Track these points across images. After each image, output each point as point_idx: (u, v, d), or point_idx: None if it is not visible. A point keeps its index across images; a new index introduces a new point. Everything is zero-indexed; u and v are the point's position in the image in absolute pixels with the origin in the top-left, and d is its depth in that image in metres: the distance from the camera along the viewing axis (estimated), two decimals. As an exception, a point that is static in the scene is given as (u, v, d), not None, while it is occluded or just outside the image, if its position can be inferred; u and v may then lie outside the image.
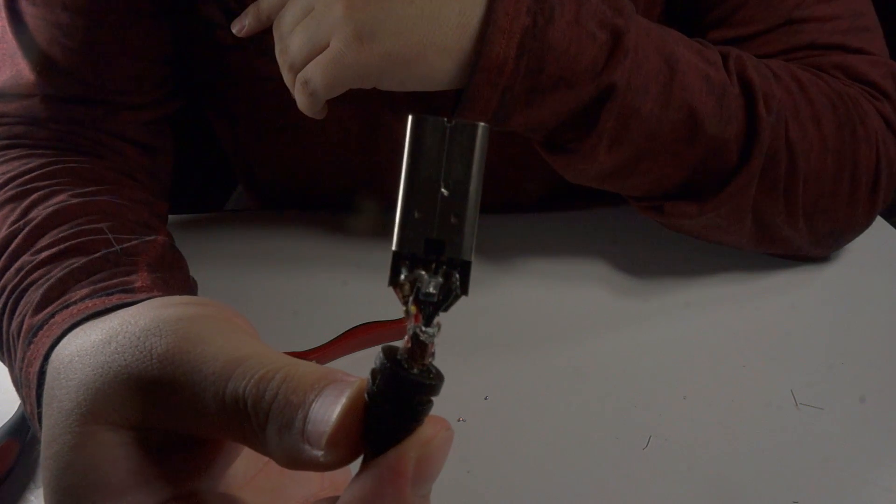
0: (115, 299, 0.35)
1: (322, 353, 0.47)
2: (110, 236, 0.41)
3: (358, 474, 0.19)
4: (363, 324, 0.48)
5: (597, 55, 0.43)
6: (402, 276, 0.19)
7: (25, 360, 0.34)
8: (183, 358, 0.21)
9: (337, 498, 0.19)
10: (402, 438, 0.19)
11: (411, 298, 0.19)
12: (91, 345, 0.23)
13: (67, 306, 0.35)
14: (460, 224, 0.19)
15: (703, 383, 0.46)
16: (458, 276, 0.19)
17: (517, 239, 0.59)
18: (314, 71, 0.42)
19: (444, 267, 0.19)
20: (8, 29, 0.49)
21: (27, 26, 0.49)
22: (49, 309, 0.35)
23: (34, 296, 0.37)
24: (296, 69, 0.43)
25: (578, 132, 0.46)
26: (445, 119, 0.19)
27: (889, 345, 0.50)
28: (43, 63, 0.49)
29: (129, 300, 0.34)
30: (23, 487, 0.40)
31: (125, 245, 0.41)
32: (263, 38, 0.52)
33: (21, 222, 0.42)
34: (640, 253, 0.57)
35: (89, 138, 0.51)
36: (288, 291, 0.54)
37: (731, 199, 0.48)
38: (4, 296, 0.39)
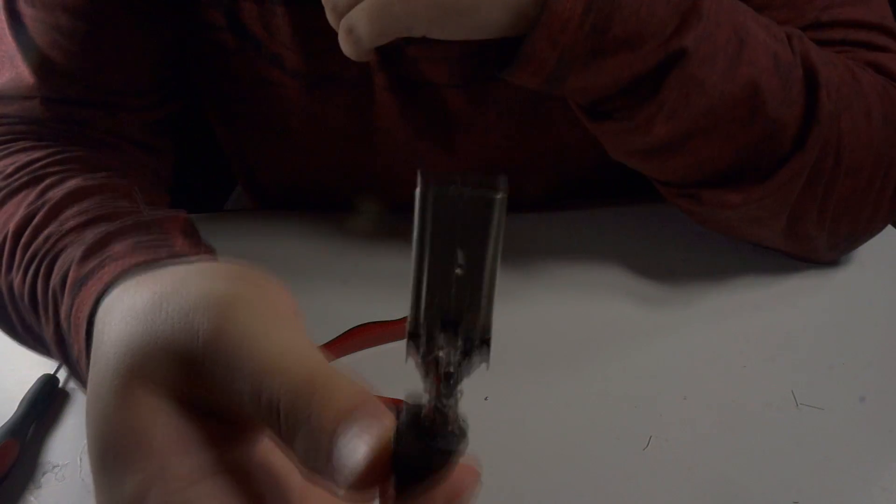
0: (163, 253, 0.34)
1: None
2: (141, 205, 0.41)
3: None
4: (363, 324, 0.48)
5: (669, 17, 0.40)
6: (420, 356, 0.18)
7: (74, 306, 0.33)
8: (224, 346, 0.21)
9: None
10: (431, 482, 0.19)
11: (431, 376, 0.19)
12: (142, 307, 0.23)
13: (115, 259, 0.34)
14: (475, 304, 0.18)
15: (703, 383, 0.46)
16: (477, 350, 0.18)
17: (516, 239, 0.58)
18: (359, 18, 0.39)
19: (463, 342, 0.18)
20: (7, 31, 0.49)
21: (27, 28, 0.49)
22: (96, 261, 0.35)
23: (74, 253, 0.36)
24: (339, 12, 0.40)
25: (635, 100, 0.43)
26: (459, 189, 0.17)
27: (889, 345, 0.50)
28: (43, 65, 0.49)
29: (179, 254, 0.34)
30: (22, 488, 0.40)
31: (154, 216, 0.40)
32: (266, 43, 0.52)
33: (39, 202, 0.42)
34: (640, 253, 0.57)
35: (91, 137, 0.51)
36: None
37: (778, 190, 0.46)
38: (35, 263, 0.38)
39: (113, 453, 0.22)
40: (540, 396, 0.45)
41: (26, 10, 0.48)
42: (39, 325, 0.38)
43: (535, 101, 0.54)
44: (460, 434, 0.19)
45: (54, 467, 0.42)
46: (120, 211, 0.40)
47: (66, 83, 0.50)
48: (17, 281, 0.39)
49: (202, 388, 0.22)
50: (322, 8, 0.42)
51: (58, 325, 0.36)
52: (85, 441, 0.42)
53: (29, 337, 0.42)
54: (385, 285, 0.52)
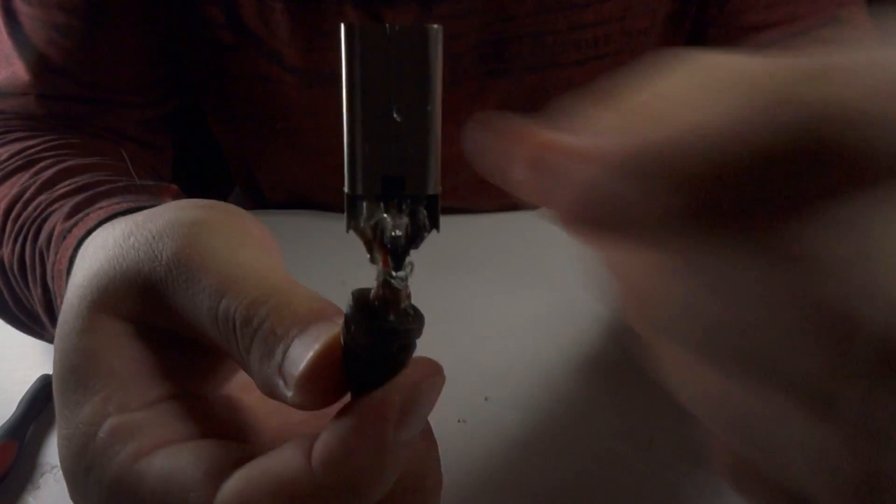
0: (148, 205, 0.34)
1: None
2: (134, 174, 0.41)
3: (339, 414, 0.18)
4: (363, 324, 0.48)
5: None
6: (362, 221, 0.16)
7: (58, 255, 0.33)
8: (186, 265, 0.21)
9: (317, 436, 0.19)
10: (386, 381, 0.18)
11: (376, 244, 0.17)
12: (113, 237, 0.23)
13: (101, 208, 0.35)
14: (420, 154, 0.16)
15: (704, 383, 0.46)
16: (425, 211, 0.17)
17: (517, 238, 0.58)
18: None
19: (409, 202, 0.16)
20: (3, 29, 0.49)
21: (22, 26, 0.49)
22: (81, 214, 0.35)
23: (62, 212, 0.36)
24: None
25: None
26: (387, 25, 0.15)
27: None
28: (38, 63, 0.49)
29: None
30: (21, 488, 0.40)
31: (145, 184, 0.40)
32: (264, 39, 0.51)
33: (31, 180, 0.42)
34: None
35: (87, 133, 0.51)
36: (287, 291, 0.54)
37: None
38: (24, 230, 0.39)
39: (74, 376, 0.22)
40: (540, 396, 0.45)
41: (22, 8, 0.48)
42: (29, 292, 0.38)
43: (532, 98, 0.54)
44: (415, 313, 0.18)
45: (53, 468, 0.42)
46: (111, 180, 0.40)
47: (63, 80, 0.50)
48: (6, 253, 0.39)
49: (166, 313, 0.22)
50: (320, 4, 0.41)
51: (45, 283, 0.36)
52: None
53: (22, 314, 0.41)
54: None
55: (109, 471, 0.20)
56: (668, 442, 0.42)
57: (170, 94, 0.56)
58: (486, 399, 0.45)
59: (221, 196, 0.83)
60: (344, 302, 0.19)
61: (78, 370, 0.22)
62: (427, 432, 0.21)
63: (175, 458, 0.20)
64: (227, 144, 0.66)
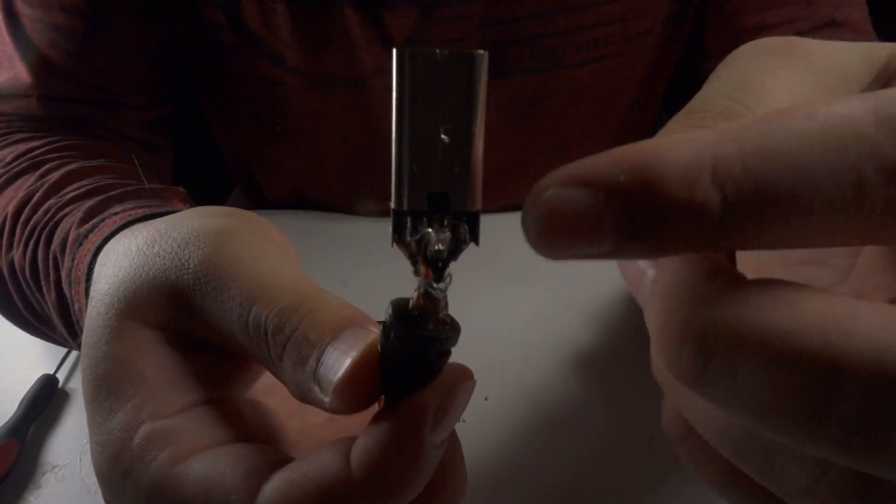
0: (164, 210, 0.34)
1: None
2: (142, 178, 0.41)
3: (377, 418, 0.19)
4: (363, 324, 0.48)
5: None
6: (407, 235, 0.17)
7: (76, 261, 0.33)
8: (214, 273, 0.22)
9: (355, 438, 0.20)
10: (422, 386, 0.19)
11: (419, 257, 0.18)
12: (136, 244, 0.24)
13: (116, 214, 0.35)
14: (465, 173, 0.17)
15: (703, 383, 0.46)
16: (466, 227, 0.18)
17: (515, 238, 0.58)
18: None
19: (451, 217, 0.17)
20: (5, 30, 0.49)
21: (24, 28, 0.49)
22: (96, 220, 0.35)
23: (75, 217, 0.36)
24: None
25: None
26: (437, 51, 0.16)
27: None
28: (40, 65, 0.49)
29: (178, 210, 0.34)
30: (22, 488, 0.40)
31: (154, 188, 0.40)
32: (264, 40, 0.51)
33: (38, 183, 0.42)
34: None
35: (88, 134, 0.51)
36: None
37: None
38: (35, 234, 0.39)
39: (105, 384, 0.22)
40: (540, 397, 0.45)
41: (24, 10, 0.48)
42: (41, 296, 0.38)
43: (532, 99, 0.54)
44: (451, 323, 0.18)
45: (54, 467, 0.42)
46: (120, 184, 0.40)
47: (64, 82, 0.50)
48: (17, 256, 0.39)
49: (194, 320, 0.22)
50: (322, 6, 0.41)
51: (59, 288, 0.36)
52: (85, 441, 0.42)
53: (31, 317, 0.42)
54: (385, 285, 0.52)
55: (147, 476, 0.20)
56: (667, 442, 0.42)
57: (171, 95, 0.56)
58: (486, 399, 0.45)
59: (221, 196, 0.83)
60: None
61: (109, 378, 0.22)
62: (452, 433, 0.21)
63: (214, 461, 0.20)
64: (227, 145, 0.66)
